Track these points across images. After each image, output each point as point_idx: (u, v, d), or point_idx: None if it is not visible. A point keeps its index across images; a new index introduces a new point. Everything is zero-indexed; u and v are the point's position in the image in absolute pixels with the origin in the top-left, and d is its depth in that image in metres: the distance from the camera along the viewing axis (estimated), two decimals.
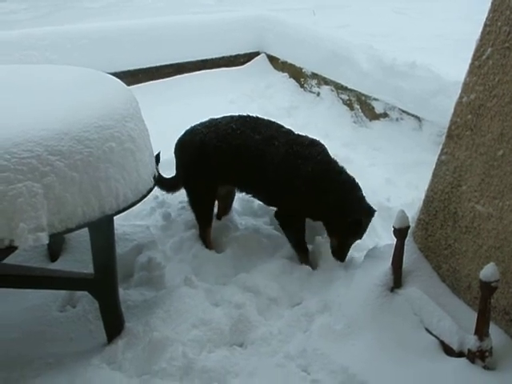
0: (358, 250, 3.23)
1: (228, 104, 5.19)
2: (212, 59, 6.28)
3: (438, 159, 2.57)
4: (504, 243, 2.27)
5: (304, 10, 7.55)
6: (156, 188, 2.72)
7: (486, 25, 2.34)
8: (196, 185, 3.34)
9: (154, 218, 3.60)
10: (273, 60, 6.40)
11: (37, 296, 2.85)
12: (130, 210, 2.49)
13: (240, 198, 3.65)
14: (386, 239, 3.18)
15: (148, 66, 5.93)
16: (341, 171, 3.13)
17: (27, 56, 5.30)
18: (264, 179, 3.16)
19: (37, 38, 5.51)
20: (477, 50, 2.38)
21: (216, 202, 3.45)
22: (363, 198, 3.11)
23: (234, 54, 6.42)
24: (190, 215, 3.43)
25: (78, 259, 3.09)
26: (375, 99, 5.03)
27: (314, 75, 5.79)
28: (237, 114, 3.39)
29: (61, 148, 2.14)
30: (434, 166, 2.60)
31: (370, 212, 3.11)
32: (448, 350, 2.33)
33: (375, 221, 3.25)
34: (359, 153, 4.50)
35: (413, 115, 4.69)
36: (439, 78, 4.50)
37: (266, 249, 3.26)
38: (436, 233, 2.59)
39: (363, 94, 5.17)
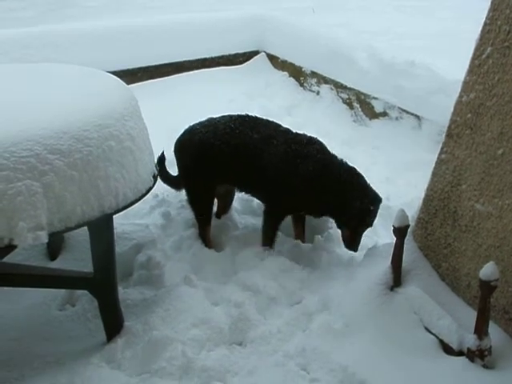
0: None
1: (227, 103, 5.19)
2: (211, 58, 6.28)
3: (438, 158, 2.57)
4: (503, 242, 2.27)
5: (303, 9, 7.55)
6: (155, 187, 2.72)
7: (485, 24, 2.34)
8: (195, 184, 3.34)
9: (153, 217, 3.60)
10: (272, 59, 6.40)
11: (36, 295, 2.85)
12: (130, 208, 2.49)
13: (239, 197, 3.65)
14: (385, 238, 3.19)
15: (147, 64, 5.93)
16: (341, 164, 3.14)
17: (26, 55, 5.30)
18: (263, 178, 3.16)
19: (36, 37, 5.52)
20: (476, 49, 2.38)
21: (215, 201, 3.45)
22: (368, 185, 3.12)
23: (233, 52, 6.42)
24: (189, 214, 3.43)
25: (78, 258, 3.09)
26: (375, 98, 5.03)
27: (314, 74, 5.79)
28: (236, 113, 3.39)
29: (60, 147, 2.14)
30: (433, 165, 2.60)
31: (376, 198, 3.11)
32: (447, 349, 2.33)
33: (375, 220, 3.25)
34: (359, 152, 4.49)
35: (412, 114, 4.69)
36: (439, 76, 4.51)
37: (266, 248, 3.26)
38: (436, 232, 2.59)
39: (363, 93, 5.17)
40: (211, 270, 3.09)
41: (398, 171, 4.21)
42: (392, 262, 2.57)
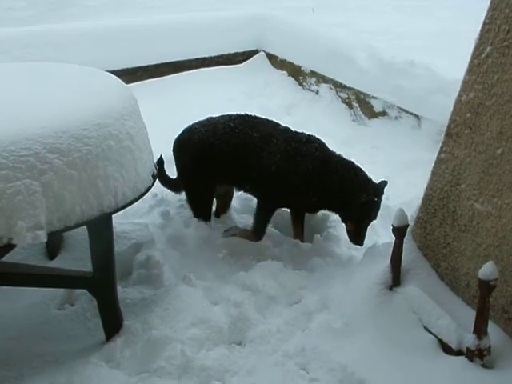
0: (356, 248, 3.22)
1: (227, 102, 5.19)
2: (211, 57, 6.28)
3: (437, 157, 2.57)
4: (503, 242, 2.27)
5: (303, 9, 7.55)
6: (155, 186, 2.72)
7: (485, 23, 2.34)
8: (194, 183, 3.34)
9: (152, 216, 3.59)
10: (272, 58, 6.39)
11: (35, 294, 2.84)
12: (129, 208, 2.49)
13: (238, 197, 3.65)
14: (384, 238, 3.19)
15: (147, 64, 5.93)
16: (340, 160, 3.15)
17: (27, 53, 5.30)
18: (263, 177, 3.16)
19: (36, 36, 5.51)
20: (476, 49, 2.38)
21: (215, 201, 3.45)
22: (369, 179, 3.13)
23: (232, 52, 6.41)
24: (188, 213, 3.43)
25: (77, 257, 3.09)
26: (374, 97, 5.03)
27: (313, 73, 5.79)
28: (235, 112, 3.39)
29: (59, 146, 2.14)
30: (432, 165, 2.60)
31: (378, 190, 3.12)
32: (447, 349, 2.33)
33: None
34: (358, 151, 4.48)
35: (412, 113, 4.69)
36: (438, 76, 4.51)
37: (265, 247, 3.26)
38: (435, 231, 2.59)
39: (362, 93, 5.17)
40: (210, 269, 3.09)
41: (397, 170, 4.21)
42: (391, 261, 2.57)
